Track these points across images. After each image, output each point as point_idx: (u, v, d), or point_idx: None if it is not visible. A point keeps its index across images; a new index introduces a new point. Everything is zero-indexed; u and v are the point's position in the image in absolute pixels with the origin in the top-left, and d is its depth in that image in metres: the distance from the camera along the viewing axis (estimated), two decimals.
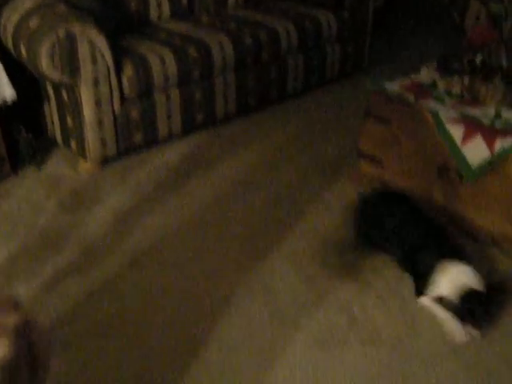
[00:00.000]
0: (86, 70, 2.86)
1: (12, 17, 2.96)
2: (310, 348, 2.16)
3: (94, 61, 2.86)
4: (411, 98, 2.79)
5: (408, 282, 2.40)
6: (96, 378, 2.01)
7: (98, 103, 2.99)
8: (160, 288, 2.40)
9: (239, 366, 2.08)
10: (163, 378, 2.02)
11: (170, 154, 3.35)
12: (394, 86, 2.91)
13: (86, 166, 3.15)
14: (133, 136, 3.19)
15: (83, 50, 2.81)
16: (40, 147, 3.30)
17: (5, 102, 2.91)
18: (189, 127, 3.46)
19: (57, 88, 3.06)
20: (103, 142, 3.10)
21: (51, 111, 3.24)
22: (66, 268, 2.49)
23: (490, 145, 2.53)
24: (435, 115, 2.67)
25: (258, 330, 2.22)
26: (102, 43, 2.86)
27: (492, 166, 2.54)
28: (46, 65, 2.75)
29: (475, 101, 2.81)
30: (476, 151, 2.57)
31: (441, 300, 2.21)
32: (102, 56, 2.88)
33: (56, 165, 3.24)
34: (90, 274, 2.46)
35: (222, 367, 2.07)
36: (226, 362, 2.09)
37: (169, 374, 2.04)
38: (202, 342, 2.16)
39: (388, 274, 2.48)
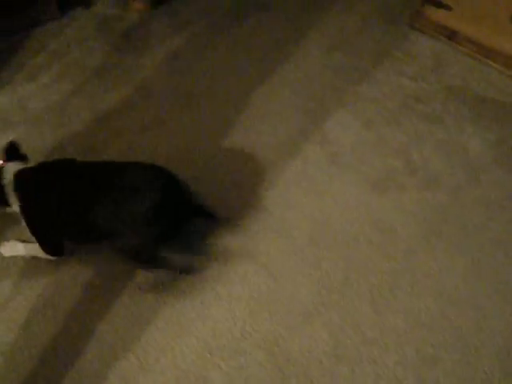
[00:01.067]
0: None
1: None
2: (366, 190, 2.14)
3: None
4: None
5: (469, 132, 2.33)
6: None
7: None
8: (210, 128, 2.39)
9: (294, 200, 2.11)
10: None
11: None
12: None
13: (136, 6, 3.02)
14: None
15: None
16: None
17: None
18: None
19: None
20: None
21: None
22: (121, 107, 2.47)
23: None
24: None
25: (314, 172, 2.21)
26: None
27: None
28: None
29: None
30: None
31: None
32: None
33: (105, 5, 3.11)
34: (144, 114, 2.44)
35: (279, 207, 2.10)
36: (282, 201, 2.11)
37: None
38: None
39: (449, 122, 2.39)
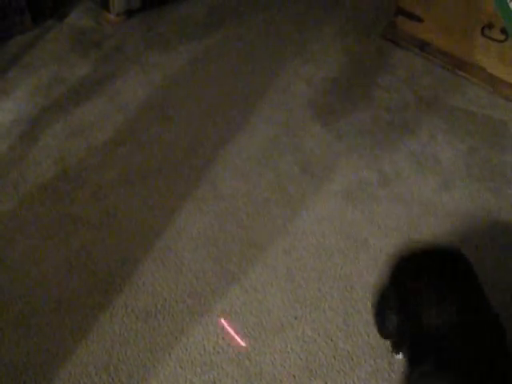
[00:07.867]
0: None
1: None
2: (338, 202, 2.15)
3: None
4: None
5: (441, 143, 2.35)
6: (125, 222, 2.05)
7: None
8: (185, 141, 2.38)
9: (269, 215, 2.10)
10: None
11: (198, 7, 3.17)
12: None
13: (109, 19, 3.01)
14: None
15: None
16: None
17: None
18: None
19: None
20: None
21: None
22: (94, 120, 2.46)
23: None
24: None
25: (287, 184, 2.21)
26: None
27: None
28: None
29: None
30: None
31: None
32: None
33: (79, 17, 3.09)
34: (118, 128, 2.43)
35: (252, 218, 2.09)
36: (255, 213, 2.11)
37: None
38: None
39: (421, 133, 2.41)
